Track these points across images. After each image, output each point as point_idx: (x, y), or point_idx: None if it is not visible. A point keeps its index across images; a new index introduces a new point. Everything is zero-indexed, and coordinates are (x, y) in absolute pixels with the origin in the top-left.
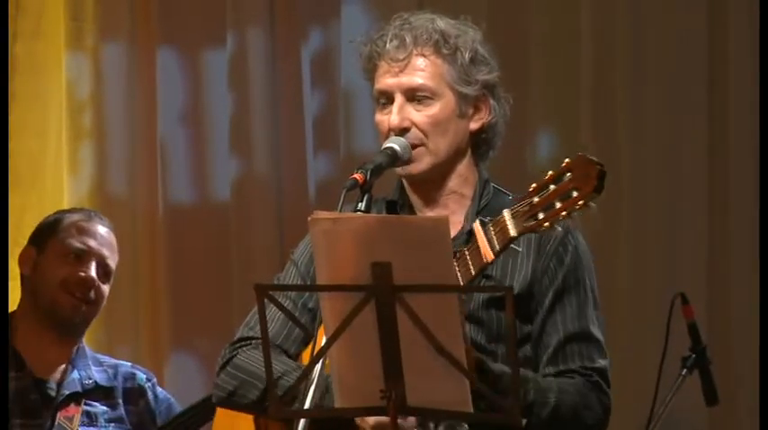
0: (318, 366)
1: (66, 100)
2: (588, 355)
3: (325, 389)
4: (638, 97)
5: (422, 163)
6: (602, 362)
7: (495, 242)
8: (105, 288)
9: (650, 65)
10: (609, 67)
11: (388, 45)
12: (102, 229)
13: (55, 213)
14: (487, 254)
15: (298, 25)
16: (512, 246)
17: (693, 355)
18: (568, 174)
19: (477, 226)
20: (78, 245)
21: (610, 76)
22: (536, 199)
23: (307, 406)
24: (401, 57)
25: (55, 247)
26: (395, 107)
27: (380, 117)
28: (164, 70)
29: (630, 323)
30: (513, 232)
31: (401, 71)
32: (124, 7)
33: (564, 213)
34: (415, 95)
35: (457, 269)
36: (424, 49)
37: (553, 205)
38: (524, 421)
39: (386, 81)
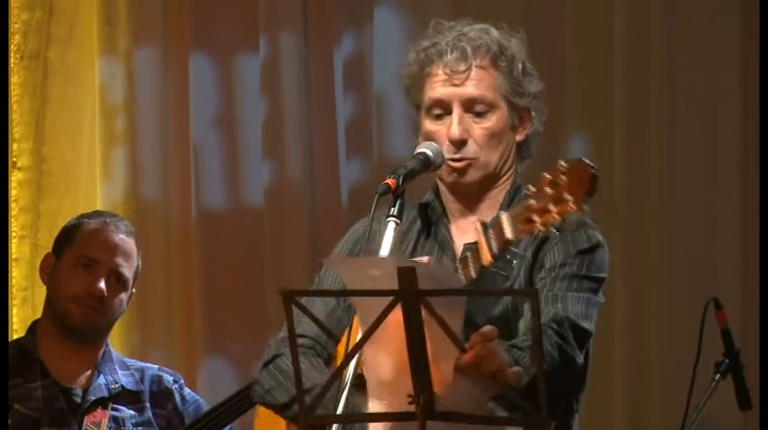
0: (351, 368)
1: (99, 105)
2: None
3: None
4: (671, 101)
5: (473, 175)
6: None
7: (494, 245)
8: (122, 296)
9: (684, 67)
10: (642, 70)
11: (447, 56)
12: (116, 237)
13: (75, 218)
14: (486, 257)
15: (330, 30)
16: (514, 249)
17: (727, 360)
18: (563, 177)
19: (479, 229)
20: (88, 255)
21: (643, 80)
22: (533, 201)
23: (338, 411)
24: (462, 68)
25: (68, 257)
26: (455, 118)
27: (434, 127)
28: (197, 75)
29: (663, 328)
30: (509, 235)
31: (462, 83)
32: (157, 12)
33: (556, 217)
34: (473, 107)
35: (461, 274)
36: (483, 61)
37: (548, 209)
38: (553, 424)
39: (444, 91)
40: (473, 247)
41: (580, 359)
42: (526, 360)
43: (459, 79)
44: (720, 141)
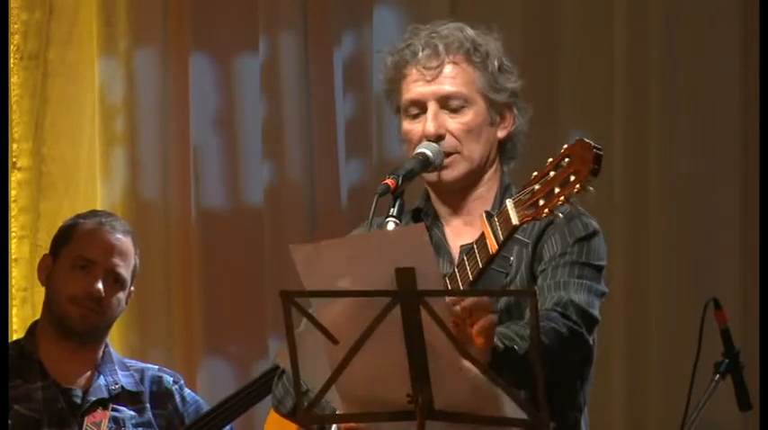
0: None
1: (98, 105)
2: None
3: None
4: (671, 101)
5: (456, 170)
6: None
7: (500, 232)
8: (120, 296)
9: (684, 67)
10: (642, 70)
11: (420, 54)
12: (113, 237)
13: (71, 219)
14: (492, 245)
15: (330, 30)
16: (518, 236)
17: (726, 361)
18: (567, 159)
19: (483, 218)
20: (85, 256)
21: (643, 80)
22: (537, 186)
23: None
24: (434, 65)
25: (65, 258)
26: (429, 114)
27: (410, 126)
28: (196, 75)
29: (663, 328)
30: (514, 221)
31: (434, 79)
32: (157, 12)
33: (562, 199)
34: (448, 103)
35: (467, 264)
36: (456, 57)
37: (553, 192)
38: (552, 425)
39: (418, 89)
40: (479, 242)
41: (588, 337)
42: (527, 331)
43: (431, 75)
44: (720, 141)
